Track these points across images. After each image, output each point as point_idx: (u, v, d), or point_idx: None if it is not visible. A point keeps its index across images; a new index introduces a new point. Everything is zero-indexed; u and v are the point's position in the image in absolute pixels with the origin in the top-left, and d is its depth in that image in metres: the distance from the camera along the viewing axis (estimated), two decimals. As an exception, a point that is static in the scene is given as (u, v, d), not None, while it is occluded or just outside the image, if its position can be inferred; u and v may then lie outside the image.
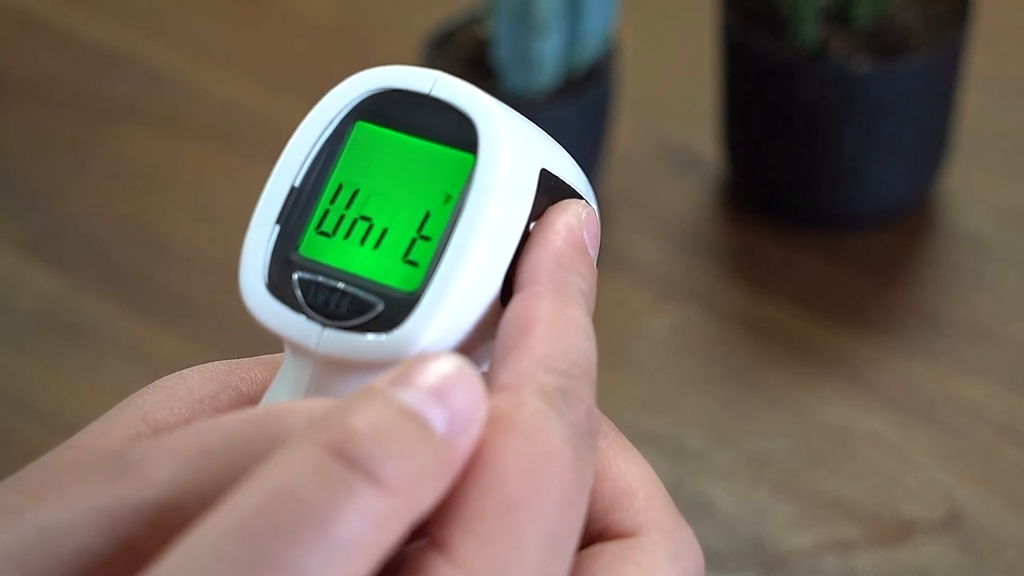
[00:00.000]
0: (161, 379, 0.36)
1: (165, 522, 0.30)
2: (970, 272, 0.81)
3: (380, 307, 0.34)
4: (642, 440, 0.71)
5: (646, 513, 0.35)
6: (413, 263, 0.34)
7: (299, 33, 0.98)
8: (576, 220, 0.35)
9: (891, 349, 0.76)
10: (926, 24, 0.80)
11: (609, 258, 0.81)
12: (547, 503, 0.30)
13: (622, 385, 0.75)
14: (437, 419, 0.30)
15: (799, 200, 0.83)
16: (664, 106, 0.91)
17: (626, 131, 0.87)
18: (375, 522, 0.28)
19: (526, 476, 0.30)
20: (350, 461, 0.28)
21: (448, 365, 0.30)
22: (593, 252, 0.36)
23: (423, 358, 0.31)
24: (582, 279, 0.35)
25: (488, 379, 0.33)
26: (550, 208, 0.35)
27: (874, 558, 0.67)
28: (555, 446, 0.31)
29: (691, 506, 0.69)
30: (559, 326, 0.33)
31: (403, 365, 0.31)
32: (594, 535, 0.35)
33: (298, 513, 0.28)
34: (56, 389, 0.75)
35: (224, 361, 0.37)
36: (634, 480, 0.35)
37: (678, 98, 0.92)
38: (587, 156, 0.81)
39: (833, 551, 0.68)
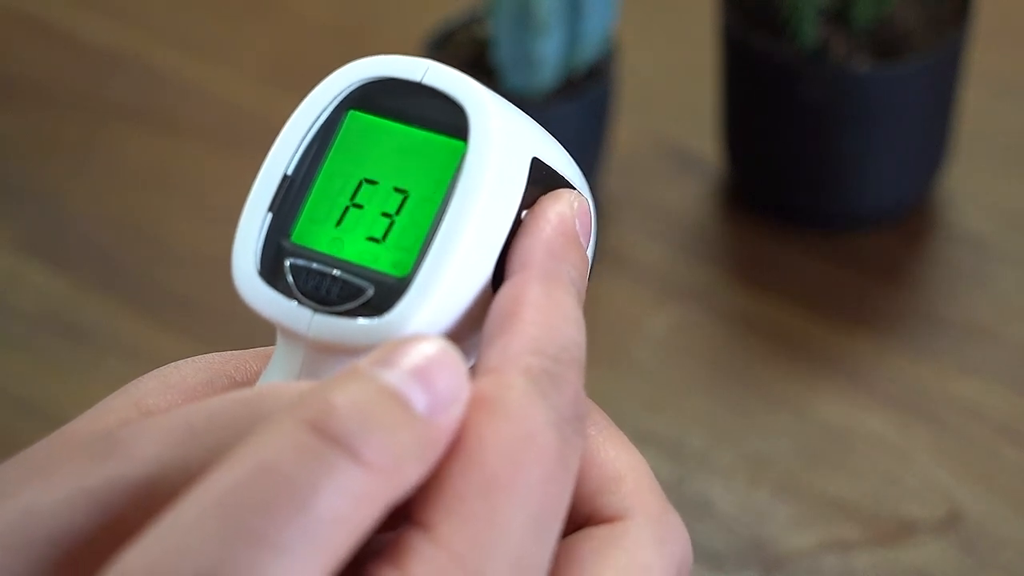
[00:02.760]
0: (156, 369, 0.36)
1: (152, 500, 0.30)
2: (970, 272, 0.81)
3: (370, 292, 0.34)
4: (642, 440, 0.71)
5: (632, 498, 0.35)
6: (404, 249, 0.34)
7: (299, 33, 0.98)
8: (568, 209, 0.35)
9: (891, 349, 0.76)
10: (926, 24, 0.80)
11: (609, 258, 0.81)
12: (529, 485, 0.30)
13: (622, 385, 0.75)
14: (419, 399, 0.30)
15: (799, 200, 0.83)
16: (664, 106, 0.91)
17: (626, 131, 0.87)
18: (355, 499, 0.28)
19: (509, 457, 0.30)
20: (331, 437, 0.28)
21: (431, 347, 0.31)
22: (585, 242, 0.36)
23: (406, 340, 0.31)
24: (573, 268, 0.35)
25: (477, 362, 0.33)
26: (542, 197, 0.36)
27: (874, 558, 0.67)
28: (539, 428, 0.31)
29: (691, 506, 0.69)
30: (548, 312, 0.33)
31: (386, 346, 0.31)
32: (581, 520, 0.35)
33: (278, 488, 0.28)
34: (56, 389, 0.75)
35: (219, 352, 0.37)
36: (622, 465, 0.35)
37: (678, 98, 0.92)
38: (587, 156, 0.81)
39: (833, 551, 0.68)
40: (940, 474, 0.71)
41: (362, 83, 0.36)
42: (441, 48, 0.81)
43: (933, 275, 0.82)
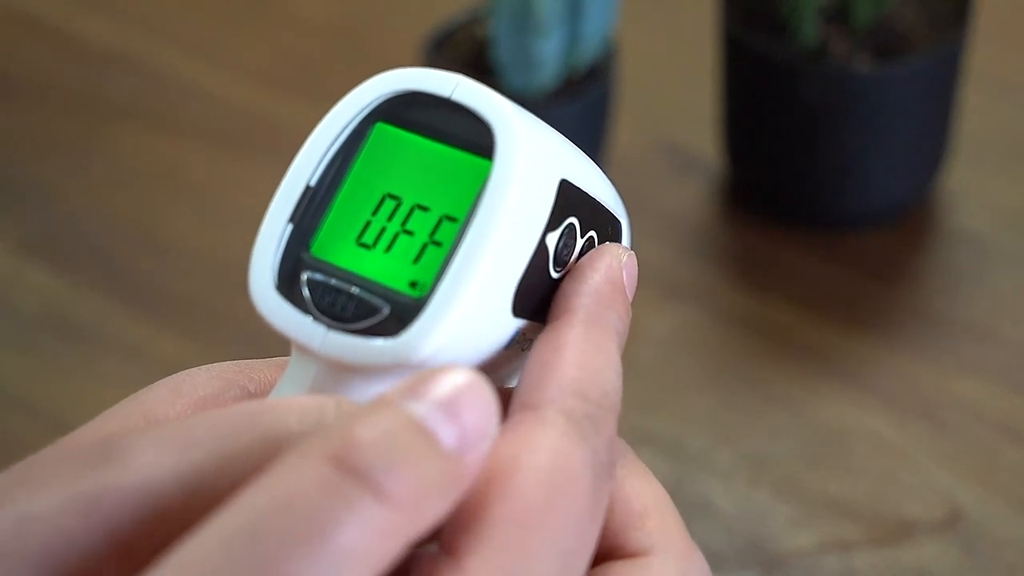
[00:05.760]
0: (169, 376, 0.36)
1: (147, 509, 0.30)
2: (970, 272, 0.81)
3: (386, 311, 0.34)
4: (642, 440, 0.71)
5: (658, 534, 0.35)
6: (422, 269, 0.34)
7: (299, 33, 0.98)
8: (616, 261, 0.36)
9: (891, 349, 0.76)
10: (926, 24, 0.80)
11: (609, 258, 0.81)
12: (562, 523, 0.30)
13: (622, 384, 0.74)
14: (446, 433, 0.29)
15: (799, 200, 0.83)
16: (664, 106, 0.91)
17: (626, 131, 0.87)
18: (376, 534, 0.28)
19: (545, 494, 0.30)
20: (353, 471, 0.28)
21: (461, 378, 0.30)
22: (630, 294, 0.36)
23: (437, 370, 0.30)
24: (618, 318, 0.35)
25: (516, 396, 0.33)
26: (591, 250, 0.36)
27: (874, 558, 0.67)
28: (577, 469, 0.31)
29: (691, 506, 0.69)
30: (592, 356, 0.34)
31: (417, 376, 0.30)
32: (605, 553, 0.35)
33: (298, 522, 0.28)
34: (56, 389, 0.75)
35: (234, 361, 0.37)
36: (647, 500, 0.35)
37: (678, 98, 0.92)
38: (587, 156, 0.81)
39: (833, 551, 0.68)
40: (940, 474, 0.70)
41: (391, 96, 0.36)
42: (441, 48, 0.81)
43: (933, 275, 0.82)
